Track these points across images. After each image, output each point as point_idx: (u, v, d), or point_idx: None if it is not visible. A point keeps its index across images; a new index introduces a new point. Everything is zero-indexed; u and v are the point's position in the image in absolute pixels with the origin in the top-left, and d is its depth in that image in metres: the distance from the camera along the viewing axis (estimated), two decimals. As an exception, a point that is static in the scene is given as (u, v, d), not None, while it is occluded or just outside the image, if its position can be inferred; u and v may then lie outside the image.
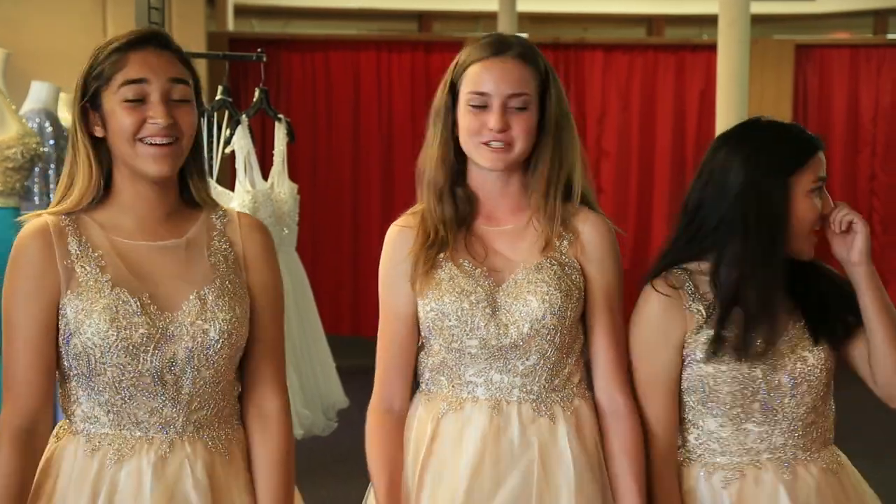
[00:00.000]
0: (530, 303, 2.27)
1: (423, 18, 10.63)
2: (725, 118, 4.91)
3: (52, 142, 5.13)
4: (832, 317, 2.40)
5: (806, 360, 2.35)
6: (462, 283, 2.28)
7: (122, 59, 2.10)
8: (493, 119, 2.26)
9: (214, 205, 2.26)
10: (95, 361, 2.06)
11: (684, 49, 9.08)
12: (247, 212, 4.48)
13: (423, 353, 2.39)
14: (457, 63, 2.37)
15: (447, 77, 2.38)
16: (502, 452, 2.26)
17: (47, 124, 5.17)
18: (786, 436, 2.37)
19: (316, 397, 4.80)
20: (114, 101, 2.09)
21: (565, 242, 2.33)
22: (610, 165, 9.01)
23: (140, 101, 2.09)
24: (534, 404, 2.29)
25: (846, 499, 2.38)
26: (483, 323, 2.27)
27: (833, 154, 8.71)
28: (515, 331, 2.27)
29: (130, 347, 2.06)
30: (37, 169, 4.93)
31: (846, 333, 2.40)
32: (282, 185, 4.77)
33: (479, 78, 2.29)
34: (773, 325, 2.32)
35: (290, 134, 4.90)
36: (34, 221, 2.13)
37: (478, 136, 2.28)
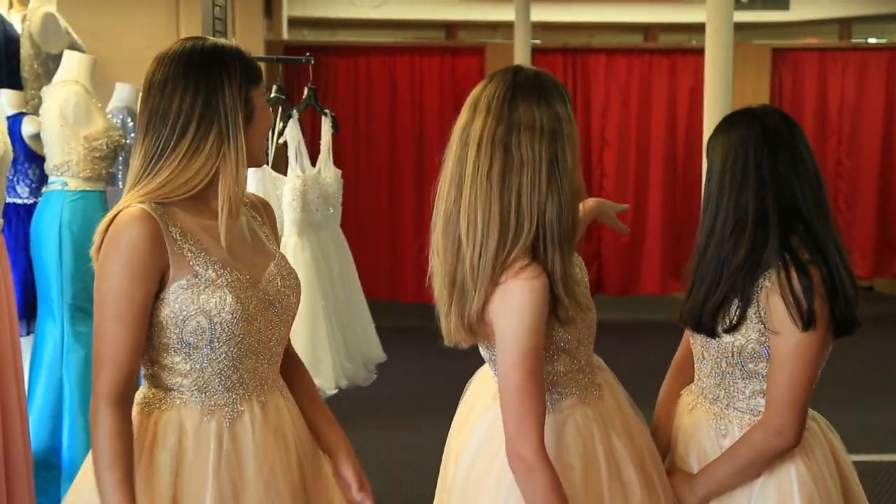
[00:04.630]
0: None
1: (449, 27, 10.59)
2: (712, 113, 4.85)
3: (132, 135, 5.12)
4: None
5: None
6: None
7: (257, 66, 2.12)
8: None
9: None
10: (220, 333, 2.00)
11: (676, 53, 9.02)
12: (297, 194, 4.48)
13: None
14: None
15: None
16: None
17: (129, 120, 5.17)
18: (705, 381, 2.33)
19: (357, 352, 4.80)
20: (262, 99, 2.10)
21: None
22: (611, 154, 8.97)
23: None
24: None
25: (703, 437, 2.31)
26: None
27: (805, 143, 8.63)
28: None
29: (248, 317, 2.02)
30: (120, 158, 4.94)
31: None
32: (328, 171, 4.75)
33: None
34: None
35: (335, 126, 4.89)
36: (130, 209, 1.98)
37: None
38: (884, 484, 4.84)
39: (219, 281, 2.00)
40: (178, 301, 2.00)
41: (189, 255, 2.00)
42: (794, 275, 2.11)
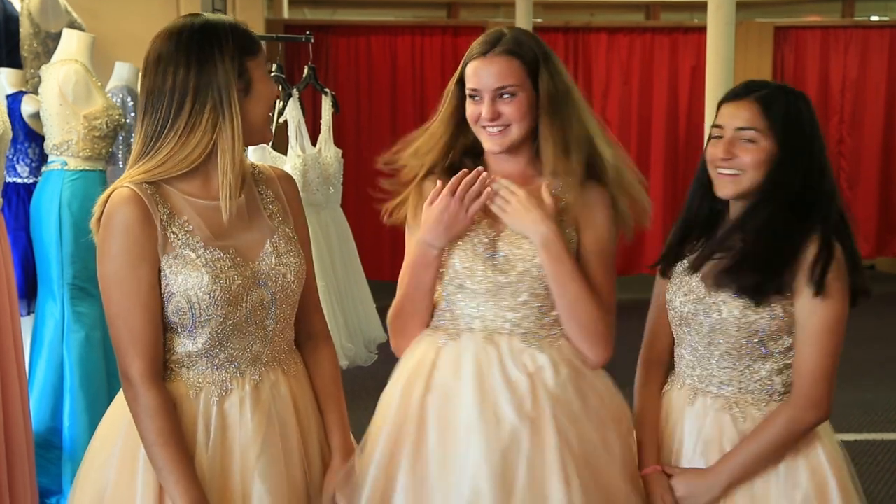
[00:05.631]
0: (524, 246, 2.24)
1: (451, 6, 10.53)
2: (714, 92, 4.83)
3: (132, 114, 5.10)
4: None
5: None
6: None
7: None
8: (484, 109, 2.25)
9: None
10: (200, 314, 2.01)
11: (678, 31, 8.98)
12: (298, 173, 4.47)
13: None
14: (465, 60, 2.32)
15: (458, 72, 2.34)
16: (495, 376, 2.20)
17: (129, 99, 5.15)
18: (707, 368, 2.30)
19: (358, 332, 4.79)
20: (261, 71, 2.06)
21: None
22: (612, 133, 8.94)
23: None
24: (523, 337, 2.23)
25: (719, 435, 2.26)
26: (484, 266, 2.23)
27: (807, 122, 8.63)
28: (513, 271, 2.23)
29: (231, 298, 2.02)
30: (120, 137, 4.92)
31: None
32: (328, 151, 4.74)
33: (473, 75, 2.27)
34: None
35: (335, 105, 4.87)
36: (121, 190, 1.99)
37: (476, 123, 2.29)
38: (883, 463, 4.84)
39: (197, 261, 2.00)
40: (165, 280, 2.01)
41: (172, 236, 2.00)
42: (824, 250, 2.17)
